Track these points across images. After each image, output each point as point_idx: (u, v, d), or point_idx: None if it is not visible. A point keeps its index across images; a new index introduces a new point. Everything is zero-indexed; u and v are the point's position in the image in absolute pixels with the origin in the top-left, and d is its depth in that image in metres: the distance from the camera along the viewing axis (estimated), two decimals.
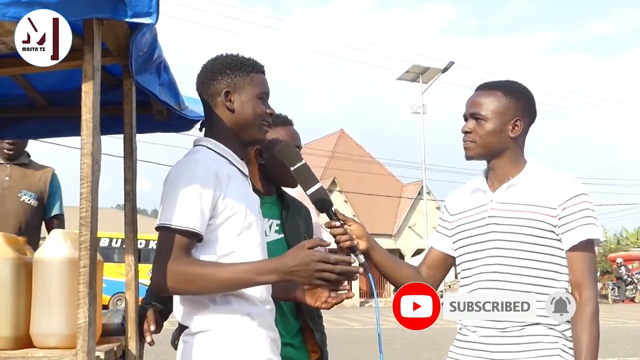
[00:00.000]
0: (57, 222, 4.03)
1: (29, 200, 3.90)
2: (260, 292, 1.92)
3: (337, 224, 2.03)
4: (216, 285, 1.80)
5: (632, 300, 26.85)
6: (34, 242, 3.62)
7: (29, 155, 4.05)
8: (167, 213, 1.80)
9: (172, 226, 1.79)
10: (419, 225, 32.51)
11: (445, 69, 31.84)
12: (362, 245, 2.08)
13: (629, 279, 27.17)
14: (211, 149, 1.95)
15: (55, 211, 4.03)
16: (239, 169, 1.98)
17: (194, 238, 1.82)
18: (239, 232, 1.88)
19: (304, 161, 2.05)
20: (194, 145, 1.99)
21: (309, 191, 2.01)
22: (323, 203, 2.01)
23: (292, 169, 2.06)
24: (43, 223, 4.02)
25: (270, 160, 2.47)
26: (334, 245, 2.06)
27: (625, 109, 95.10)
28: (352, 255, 2.02)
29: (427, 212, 30.70)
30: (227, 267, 1.81)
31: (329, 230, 2.05)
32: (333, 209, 2.01)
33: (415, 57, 73.92)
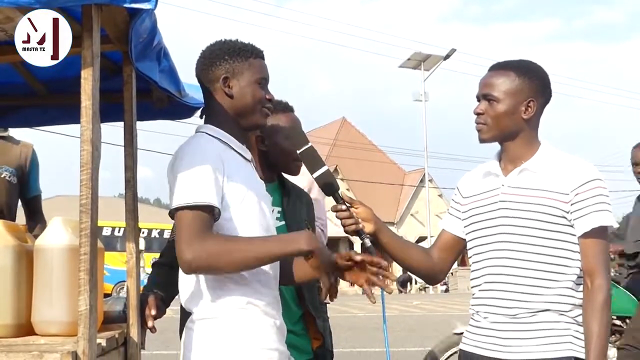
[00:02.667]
0: (37, 203, 3.65)
1: (9, 177, 3.47)
2: (266, 278, 1.91)
3: (343, 207, 2.01)
4: (243, 259, 1.76)
5: None
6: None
7: (6, 129, 3.56)
8: (182, 194, 1.77)
9: (190, 204, 1.75)
10: (421, 212, 32.56)
11: (447, 56, 31.78)
12: (369, 228, 2.05)
13: None
14: (211, 136, 1.93)
15: (36, 191, 3.65)
16: (240, 154, 1.97)
17: (213, 214, 1.78)
18: (247, 216, 1.87)
19: (310, 144, 2.03)
20: (196, 132, 1.98)
21: (315, 174, 1.99)
22: (329, 186, 1.99)
23: (298, 151, 2.04)
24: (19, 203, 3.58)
25: (272, 147, 2.46)
26: (341, 230, 2.05)
27: (628, 95, 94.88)
28: (359, 238, 2.01)
29: (429, 200, 30.75)
30: (253, 240, 1.80)
31: (335, 214, 2.03)
32: (339, 192, 2.00)
33: (417, 45, 73.59)
